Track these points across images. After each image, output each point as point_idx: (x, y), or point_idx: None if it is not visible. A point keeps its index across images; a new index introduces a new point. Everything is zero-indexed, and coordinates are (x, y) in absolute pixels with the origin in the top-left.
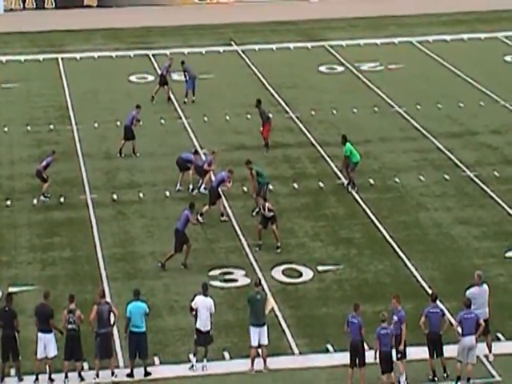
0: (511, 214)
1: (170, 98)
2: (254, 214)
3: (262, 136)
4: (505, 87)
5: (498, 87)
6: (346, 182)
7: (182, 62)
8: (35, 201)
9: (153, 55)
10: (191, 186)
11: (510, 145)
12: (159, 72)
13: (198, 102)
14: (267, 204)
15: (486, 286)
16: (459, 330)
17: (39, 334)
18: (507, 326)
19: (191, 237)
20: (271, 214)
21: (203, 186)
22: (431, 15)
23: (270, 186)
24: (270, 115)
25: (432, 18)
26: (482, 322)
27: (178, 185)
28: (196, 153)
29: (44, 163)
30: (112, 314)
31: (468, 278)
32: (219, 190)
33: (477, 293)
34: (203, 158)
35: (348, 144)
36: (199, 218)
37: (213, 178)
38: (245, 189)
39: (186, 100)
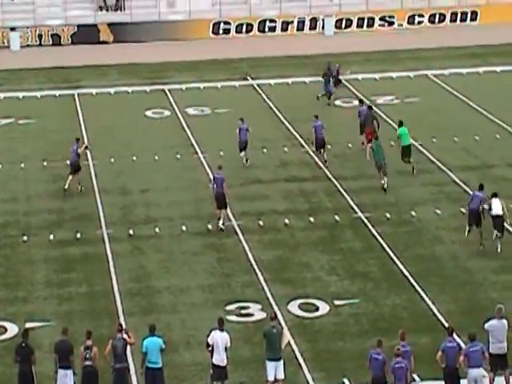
0: None
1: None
2: None
3: (366, 139)
4: None
5: None
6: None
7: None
8: (52, 236)
9: (169, 90)
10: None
11: None
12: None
13: (213, 136)
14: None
15: (505, 321)
16: (466, 362)
17: (59, 371)
18: None
19: (207, 271)
20: None
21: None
22: (447, 48)
23: (286, 220)
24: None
25: (447, 51)
26: (486, 354)
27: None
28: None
29: (74, 152)
30: (128, 348)
31: (485, 311)
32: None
33: (496, 325)
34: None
35: (403, 127)
36: None
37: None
38: (260, 223)
39: (329, 102)
